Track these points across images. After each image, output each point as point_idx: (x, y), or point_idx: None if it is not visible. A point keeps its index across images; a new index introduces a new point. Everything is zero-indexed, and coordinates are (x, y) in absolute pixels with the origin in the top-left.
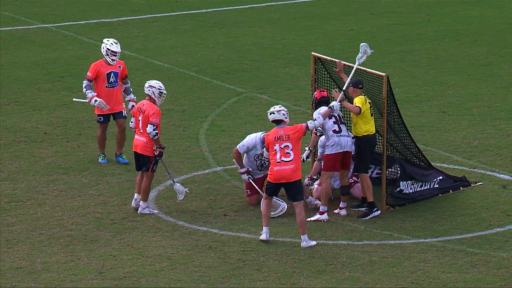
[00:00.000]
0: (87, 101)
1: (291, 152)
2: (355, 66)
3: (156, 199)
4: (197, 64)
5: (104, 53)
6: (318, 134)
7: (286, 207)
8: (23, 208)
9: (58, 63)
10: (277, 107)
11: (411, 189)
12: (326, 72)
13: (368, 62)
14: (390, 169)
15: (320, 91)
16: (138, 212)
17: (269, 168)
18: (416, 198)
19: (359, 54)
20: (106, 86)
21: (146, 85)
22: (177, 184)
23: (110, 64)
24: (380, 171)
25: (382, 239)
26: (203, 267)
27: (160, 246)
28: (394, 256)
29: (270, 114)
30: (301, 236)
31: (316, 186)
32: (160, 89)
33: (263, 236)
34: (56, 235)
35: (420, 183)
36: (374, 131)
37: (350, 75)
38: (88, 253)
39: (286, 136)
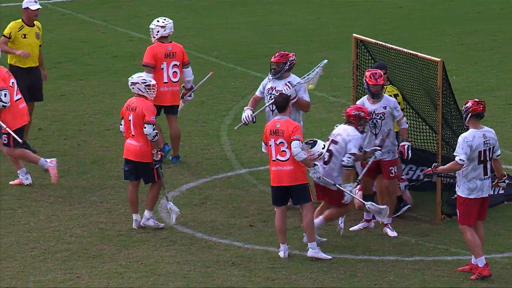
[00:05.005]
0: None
1: (287, 150)
2: (302, 81)
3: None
4: (217, 48)
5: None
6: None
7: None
8: (12, 217)
9: (54, 46)
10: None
11: None
12: (370, 58)
13: (420, 45)
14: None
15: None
16: (141, 223)
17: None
18: None
19: (313, 73)
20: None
21: (129, 83)
22: (170, 203)
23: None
24: None
25: (437, 255)
26: (225, 287)
27: (174, 262)
28: (451, 275)
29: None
30: (308, 244)
31: (357, 190)
32: (144, 82)
33: (280, 254)
34: (52, 249)
35: None
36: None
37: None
38: (89, 270)
39: (282, 131)
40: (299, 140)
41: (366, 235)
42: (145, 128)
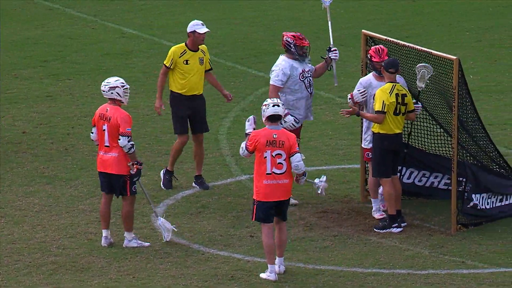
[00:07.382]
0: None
1: (283, 162)
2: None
3: (164, 216)
4: (216, 45)
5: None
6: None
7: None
8: None
9: (40, 43)
10: (277, 100)
11: (487, 204)
12: None
13: (435, 42)
14: (460, 179)
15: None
16: (124, 246)
17: (255, 181)
18: (495, 216)
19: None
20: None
21: (105, 88)
22: (161, 219)
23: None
24: (448, 181)
25: (452, 268)
26: None
27: (169, 275)
28: None
29: (273, 106)
30: (277, 258)
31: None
32: (123, 86)
33: (271, 277)
34: (37, 262)
35: (500, 197)
36: (397, 131)
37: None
38: (77, 284)
39: (281, 142)
40: (300, 153)
41: (376, 247)
42: (119, 140)
